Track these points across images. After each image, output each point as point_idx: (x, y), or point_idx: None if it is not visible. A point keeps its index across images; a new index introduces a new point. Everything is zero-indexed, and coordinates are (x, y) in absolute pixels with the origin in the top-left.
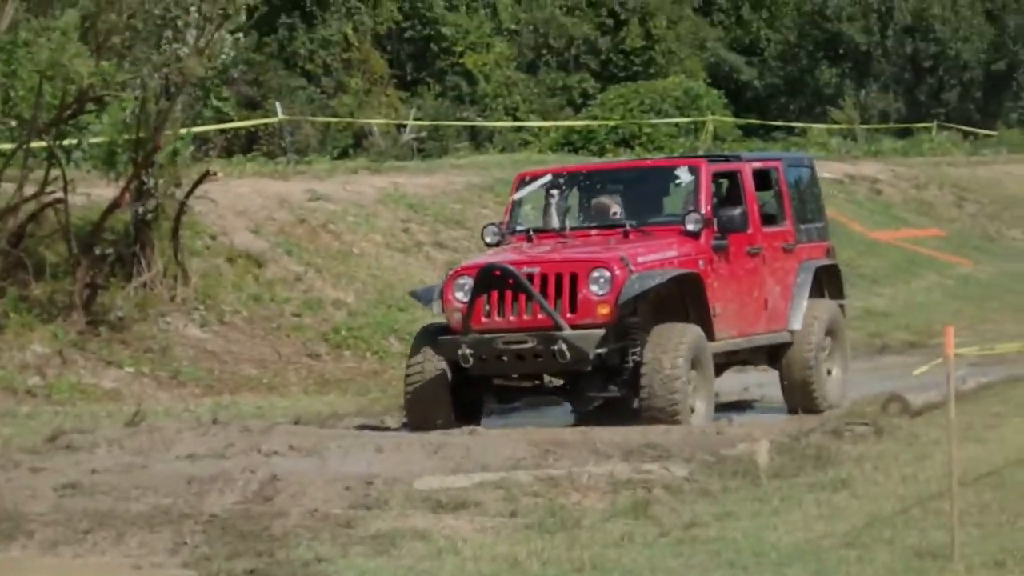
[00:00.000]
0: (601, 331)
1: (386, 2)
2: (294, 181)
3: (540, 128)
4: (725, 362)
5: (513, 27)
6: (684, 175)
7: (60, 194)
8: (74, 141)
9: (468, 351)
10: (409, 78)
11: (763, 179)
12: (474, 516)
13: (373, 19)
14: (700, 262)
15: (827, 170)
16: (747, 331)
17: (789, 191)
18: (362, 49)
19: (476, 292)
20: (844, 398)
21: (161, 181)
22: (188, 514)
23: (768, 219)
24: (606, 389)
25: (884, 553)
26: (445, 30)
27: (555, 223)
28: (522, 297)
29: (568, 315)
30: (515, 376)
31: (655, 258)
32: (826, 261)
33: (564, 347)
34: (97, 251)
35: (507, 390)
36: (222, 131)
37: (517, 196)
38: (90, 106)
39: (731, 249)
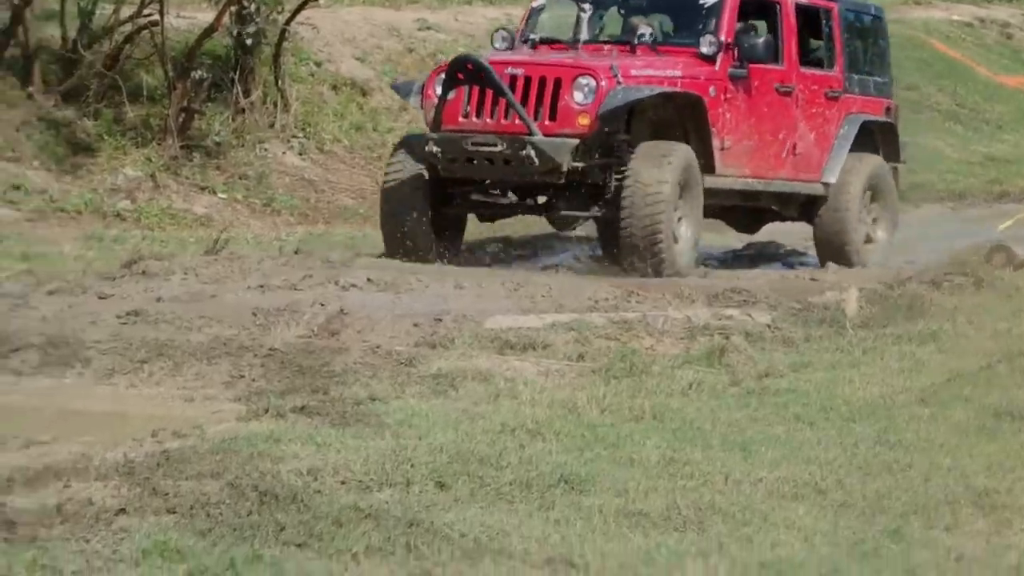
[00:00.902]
0: (575, 141)
1: None
2: (405, 10)
3: None
4: (744, 206)
5: None
6: None
7: (156, 16)
8: None
9: (436, 149)
10: None
11: (812, 19)
12: (541, 358)
13: None
14: (711, 88)
15: (956, 12)
16: (764, 173)
17: (843, 36)
18: None
19: (447, 86)
20: (887, 262)
21: (263, 5)
22: (248, 346)
23: (813, 61)
24: (587, 208)
25: (959, 411)
26: None
27: (576, 35)
28: (502, 101)
29: (547, 122)
30: (491, 187)
31: (653, 74)
32: (881, 118)
33: (533, 153)
34: (195, 75)
35: (486, 206)
36: None
37: (537, 3)
38: None
39: (753, 81)
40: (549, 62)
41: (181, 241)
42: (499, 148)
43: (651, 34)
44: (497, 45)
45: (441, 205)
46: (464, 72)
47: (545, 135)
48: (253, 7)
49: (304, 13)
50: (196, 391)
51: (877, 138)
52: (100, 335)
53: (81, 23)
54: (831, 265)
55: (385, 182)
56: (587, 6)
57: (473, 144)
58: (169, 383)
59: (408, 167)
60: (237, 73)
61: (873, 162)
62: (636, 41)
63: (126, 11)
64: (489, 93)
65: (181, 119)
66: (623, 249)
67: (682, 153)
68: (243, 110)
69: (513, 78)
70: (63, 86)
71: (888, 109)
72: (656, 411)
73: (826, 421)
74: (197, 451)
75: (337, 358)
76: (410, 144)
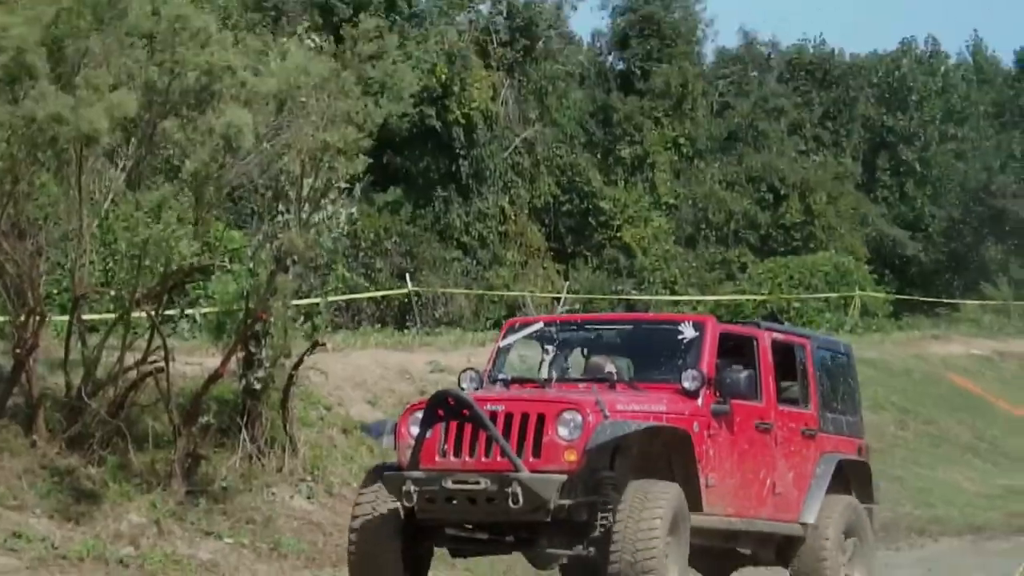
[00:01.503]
0: (563, 477)
1: (544, 176)
2: (418, 351)
3: (697, 302)
4: (723, 548)
5: (671, 201)
6: (688, 331)
7: (161, 363)
8: (177, 311)
9: (413, 488)
10: (568, 250)
11: (786, 355)
12: None
13: (530, 192)
14: (695, 424)
15: (976, 347)
16: (747, 512)
17: (816, 373)
18: (519, 222)
19: (426, 422)
20: None
21: (270, 352)
22: None
23: (788, 399)
24: (571, 547)
25: None
26: (603, 204)
27: (543, 375)
28: (482, 437)
29: (531, 459)
30: (468, 524)
31: (638, 408)
32: (855, 457)
33: (519, 491)
34: (202, 420)
35: (461, 541)
36: (348, 303)
37: (503, 343)
38: (196, 275)
39: (735, 417)
40: (531, 397)
41: None
42: (482, 486)
43: (615, 374)
44: (465, 385)
45: (413, 540)
46: (445, 408)
47: (530, 472)
48: (262, 353)
49: (313, 357)
50: None
51: (850, 478)
52: None
53: (85, 371)
54: None
55: (354, 517)
56: (550, 348)
57: (454, 482)
58: None
59: (380, 502)
60: (245, 418)
61: (852, 503)
62: (615, 378)
63: (131, 357)
64: (468, 430)
65: (187, 464)
66: None
67: (674, 492)
68: (251, 455)
69: (494, 415)
70: (67, 433)
71: (860, 449)
72: None
73: None
74: None
75: None
76: (383, 479)
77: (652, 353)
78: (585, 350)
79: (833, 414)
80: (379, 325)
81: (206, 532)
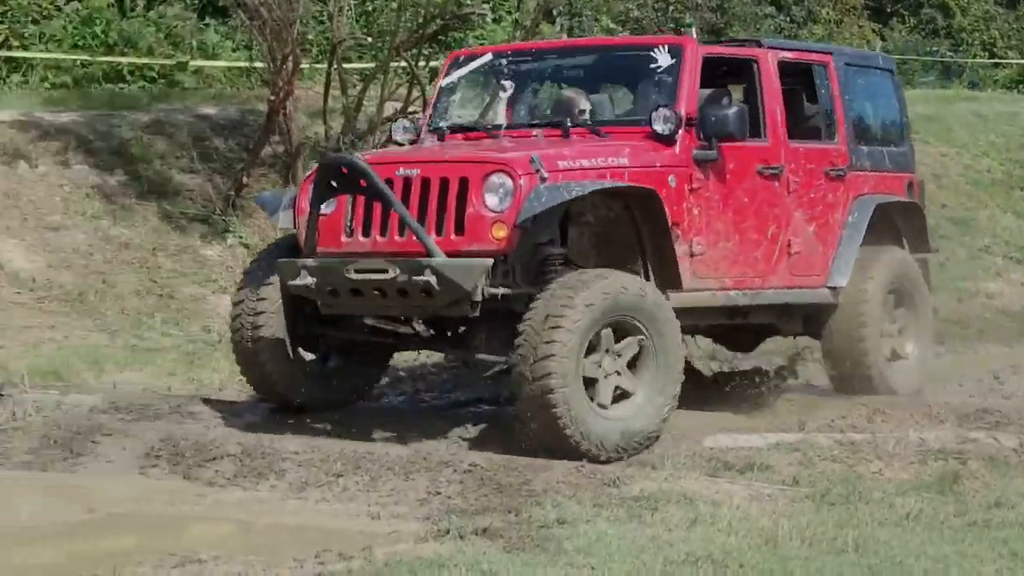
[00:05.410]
0: (488, 261)
1: None
2: None
3: (1019, 66)
4: (730, 324)
5: None
6: (662, 57)
7: (420, 112)
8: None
9: (310, 280)
10: (885, 9)
11: (802, 78)
12: (753, 481)
13: None
14: (669, 178)
15: None
16: (751, 282)
17: (844, 98)
18: None
19: (316, 198)
20: (923, 386)
21: None
22: (448, 462)
23: (808, 132)
24: (504, 351)
25: None
26: None
27: (495, 120)
28: (394, 213)
29: (453, 236)
30: (384, 319)
31: (588, 164)
32: (901, 198)
33: (433, 279)
34: None
35: (368, 338)
36: None
37: (445, 82)
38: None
39: (726, 164)
40: (452, 157)
41: None
42: (390, 275)
43: (588, 112)
44: (399, 138)
45: (310, 337)
46: (338, 179)
47: (449, 254)
48: None
49: None
50: (386, 507)
51: (899, 223)
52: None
53: (345, 119)
54: None
55: (233, 323)
56: (508, 83)
57: (357, 271)
58: (362, 498)
59: (263, 299)
60: None
61: (898, 258)
62: (569, 123)
63: (390, 107)
64: (378, 203)
65: None
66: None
67: (601, 287)
68: None
69: (407, 181)
70: None
71: (911, 185)
72: (860, 543)
73: None
74: (354, 575)
75: (539, 476)
76: (277, 267)
77: (622, 88)
78: (548, 85)
79: (870, 146)
80: None
81: None
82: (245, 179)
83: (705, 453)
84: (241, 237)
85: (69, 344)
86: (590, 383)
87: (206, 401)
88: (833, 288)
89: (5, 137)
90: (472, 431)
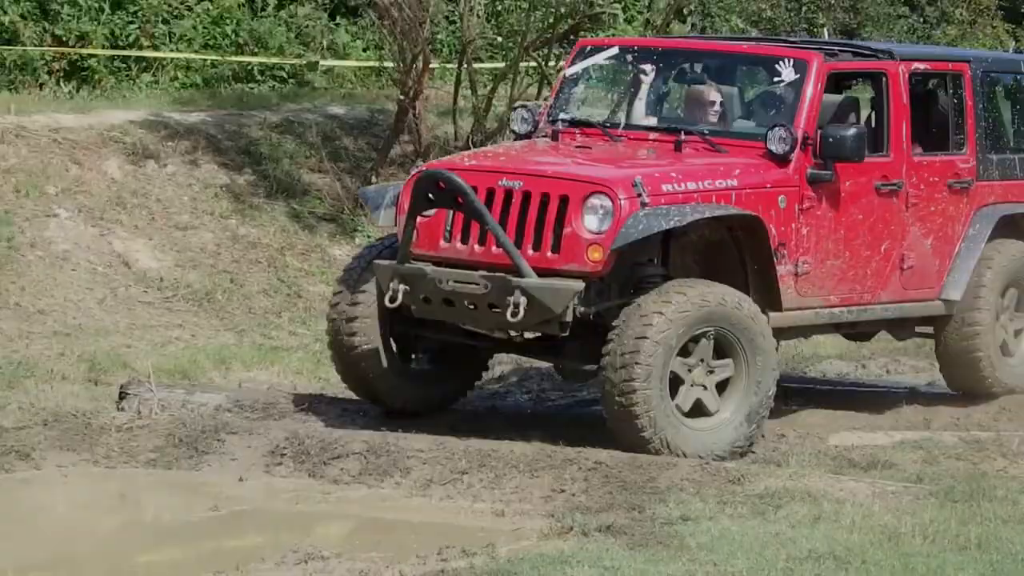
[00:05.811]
0: (579, 285)
1: None
2: None
3: None
4: (848, 333)
5: None
6: (786, 72)
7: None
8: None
9: (401, 287)
10: (1020, 9)
11: (934, 88)
12: (877, 478)
13: None
14: (780, 198)
15: None
16: (859, 298)
17: (977, 108)
18: None
19: (413, 210)
20: None
21: None
22: (573, 459)
23: (934, 141)
24: (596, 359)
25: None
26: None
27: (619, 117)
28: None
29: (549, 254)
30: (476, 330)
31: (693, 187)
32: None
33: (522, 300)
34: None
35: (463, 340)
36: None
37: (570, 71)
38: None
39: (841, 183)
40: (555, 173)
41: None
42: (481, 290)
43: (719, 103)
44: (516, 128)
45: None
46: (435, 193)
47: (542, 271)
48: None
49: None
50: (510, 505)
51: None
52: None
53: (475, 119)
54: None
55: (331, 323)
56: (648, 67)
57: (454, 281)
58: (486, 495)
59: (361, 298)
60: None
61: (1012, 250)
62: (683, 136)
63: None
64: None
65: None
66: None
67: (686, 300)
68: None
69: (508, 193)
70: None
71: None
72: (983, 540)
73: None
74: (476, 571)
75: (664, 473)
76: (374, 269)
77: (747, 97)
78: (672, 84)
79: (1001, 154)
80: None
81: None
82: (374, 178)
83: (830, 451)
84: (369, 236)
85: (196, 343)
86: (675, 384)
87: (332, 400)
88: (947, 301)
89: (135, 137)
90: (597, 429)
